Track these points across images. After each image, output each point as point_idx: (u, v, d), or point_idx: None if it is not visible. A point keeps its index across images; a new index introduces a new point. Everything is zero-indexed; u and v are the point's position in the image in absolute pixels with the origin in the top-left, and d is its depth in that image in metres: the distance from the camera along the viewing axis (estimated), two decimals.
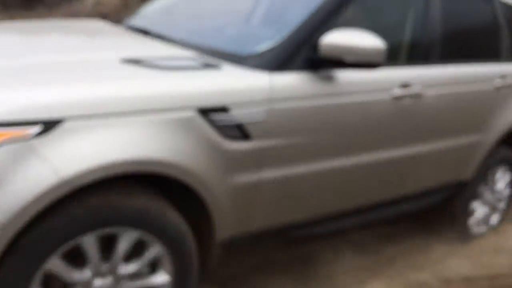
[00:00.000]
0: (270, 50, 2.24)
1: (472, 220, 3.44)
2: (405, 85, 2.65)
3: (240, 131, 2.05)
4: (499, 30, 3.35)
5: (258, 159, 2.14)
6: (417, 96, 2.70)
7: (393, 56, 2.67)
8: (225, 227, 2.14)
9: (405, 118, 2.71)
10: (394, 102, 2.60)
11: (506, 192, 3.61)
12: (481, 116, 3.20)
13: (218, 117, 1.98)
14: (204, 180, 1.97)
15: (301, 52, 2.26)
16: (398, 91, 2.61)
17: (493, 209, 3.56)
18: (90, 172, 1.68)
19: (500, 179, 3.54)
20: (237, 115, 2.03)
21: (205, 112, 1.95)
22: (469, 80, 3.07)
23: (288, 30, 2.32)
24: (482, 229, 3.51)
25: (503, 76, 3.26)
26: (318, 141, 2.33)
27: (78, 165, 1.66)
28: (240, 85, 2.08)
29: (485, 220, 3.53)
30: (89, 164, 1.68)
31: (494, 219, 3.58)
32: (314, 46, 2.25)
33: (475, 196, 3.40)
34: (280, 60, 2.21)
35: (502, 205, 3.61)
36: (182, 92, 1.93)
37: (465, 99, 3.03)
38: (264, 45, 2.27)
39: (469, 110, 3.10)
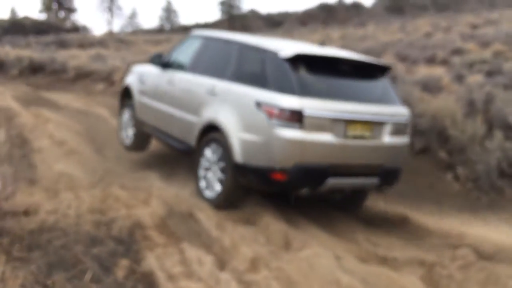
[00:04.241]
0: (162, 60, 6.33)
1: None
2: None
3: (141, 81, 6.60)
4: None
5: (143, 93, 6.53)
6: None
7: None
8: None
9: (172, 89, 5.91)
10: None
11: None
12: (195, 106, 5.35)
13: None
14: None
15: (163, 62, 6.23)
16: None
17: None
18: None
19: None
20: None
21: None
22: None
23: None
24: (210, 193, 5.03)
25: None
26: (159, 96, 6.16)
27: None
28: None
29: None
30: None
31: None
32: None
33: None
34: (162, 65, 6.23)
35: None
36: None
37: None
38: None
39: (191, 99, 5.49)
